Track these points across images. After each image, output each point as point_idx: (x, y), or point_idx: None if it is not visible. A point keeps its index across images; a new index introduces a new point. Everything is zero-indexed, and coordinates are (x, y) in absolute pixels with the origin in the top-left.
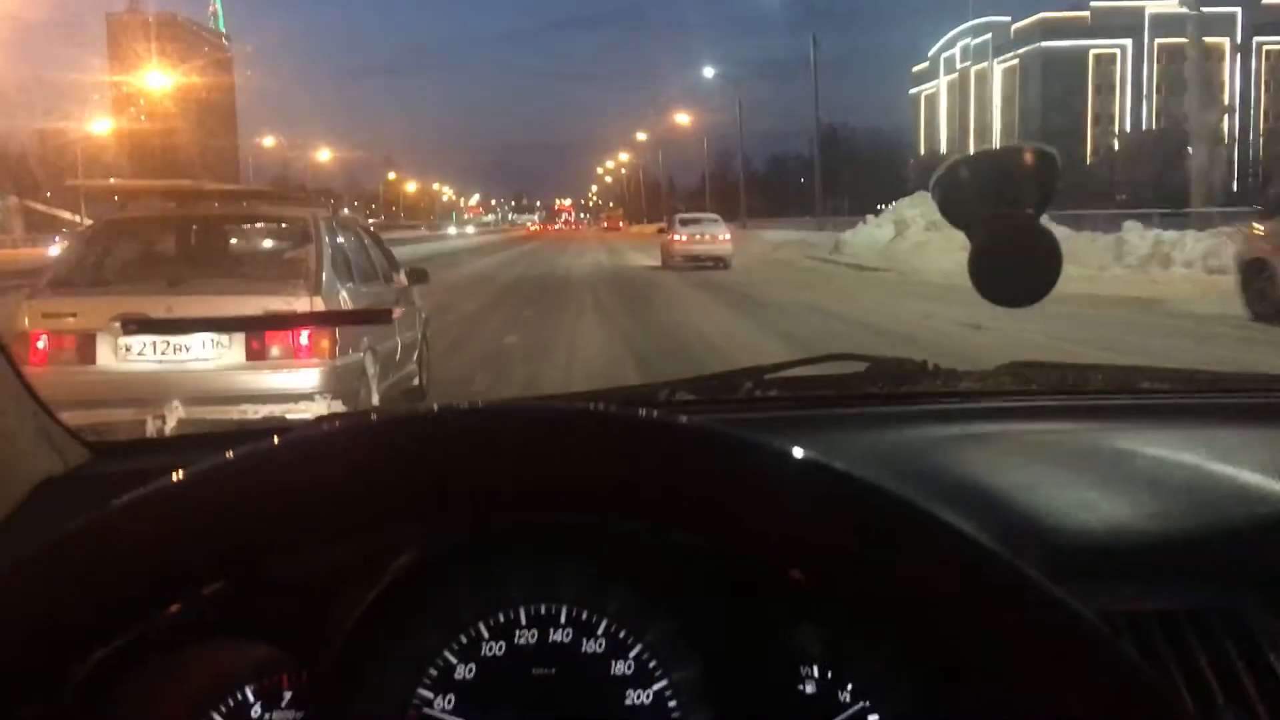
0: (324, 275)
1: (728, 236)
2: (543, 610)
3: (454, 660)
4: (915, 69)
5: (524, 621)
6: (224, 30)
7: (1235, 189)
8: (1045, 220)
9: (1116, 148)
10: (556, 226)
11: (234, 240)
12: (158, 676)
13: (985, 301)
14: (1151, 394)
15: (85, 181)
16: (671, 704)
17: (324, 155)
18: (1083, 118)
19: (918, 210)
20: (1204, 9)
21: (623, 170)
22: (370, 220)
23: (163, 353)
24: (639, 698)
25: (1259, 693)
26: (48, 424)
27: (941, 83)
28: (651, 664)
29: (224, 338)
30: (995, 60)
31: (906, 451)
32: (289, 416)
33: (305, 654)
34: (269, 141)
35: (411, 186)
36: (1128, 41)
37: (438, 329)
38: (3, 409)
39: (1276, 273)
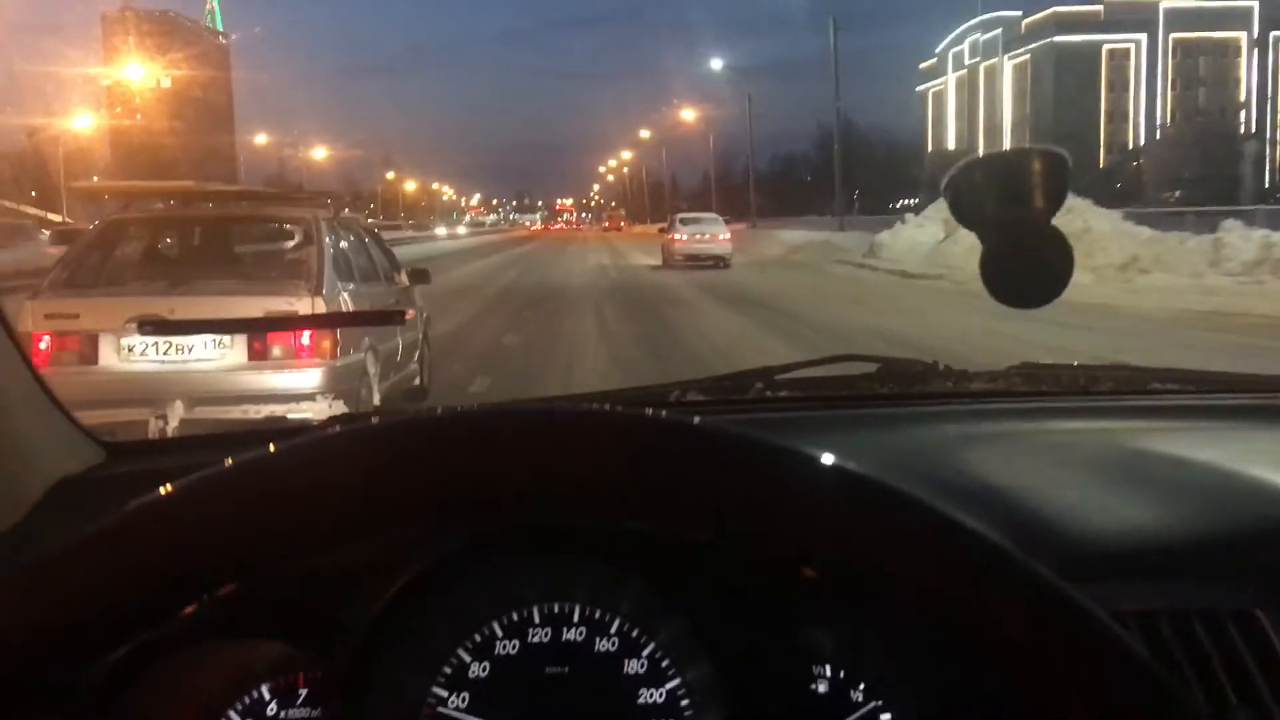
0: (325, 276)
1: (727, 236)
2: (556, 609)
3: (468, 659)
4: (923, 66)
5: (537, 620)
6: (221, 28)
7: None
8: (1123, 220)
9: (1157, 138)
10: (557, 226)
11: (236, 241)
12: (174, 675)
13: (1089, 325)
14: (1162, 394)
15: (88, 184)
16: (684, 703)
17: (322, 155)
18: (1096, 114)
19: None
20: (1220, 3)
21: (625, 169)
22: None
23: (165, 353)
24: (652, 696)
25: (1272, 693)
26: (63, 424)
27: (950, 79)
28: (664, 663)
29: (226, 338)
30: (1005, 56)
31: (917, 452)
32: (291, 416)
33: (321, 653)
34: (261, 139)
35: (411, 186)
36: (1142, 36)
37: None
38: (19, 409)
39: None
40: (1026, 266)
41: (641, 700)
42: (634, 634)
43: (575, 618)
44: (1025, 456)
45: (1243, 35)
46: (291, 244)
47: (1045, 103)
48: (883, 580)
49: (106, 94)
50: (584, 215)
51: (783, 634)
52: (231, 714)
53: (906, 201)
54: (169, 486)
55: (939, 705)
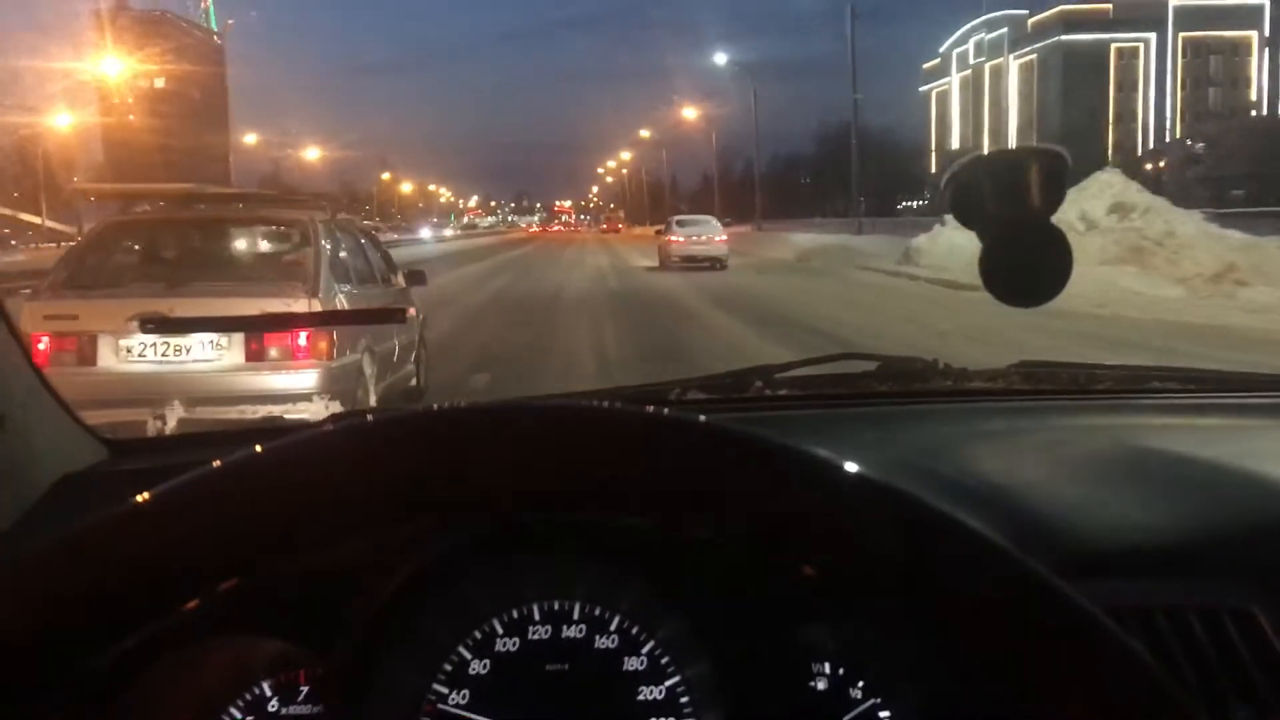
0: (322, 277)
1: (723, 238)
2: (556, 607)
3: (468, 656)
4: (926, 66)
5: (537, 618)
6: (216, 28)
7: None
8: (1206, 221)
9: (1177, 137)
10: (555, 228)
11: (234, 243)
12: (175, 672)
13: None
14: (1161, 393)
15: (91, 186)
16: (684, 700)
17: (318, 155)
18: (1104, 114)
19: None
20: (1230, 0)
21: (624, 170)
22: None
23: (163, 354)
24: (651, 694)
25: (1270, 690)
26: (67, 422)
27: (954, 79)
28: (664, 660)
29: (223, 339)
30: (1011, 55)
31: (917, 450)
32: (288, 417)
33: (321, 650)
34: (250, 139)
35: (407, 187)
36: (1151, 35)
37: None
38: (23, 407)
39: None
40: (1026, 265)
41: (641, 697)
42: (634, 631)
43: (575, 615)
44: (1025, 454)
45: (1254, 34)
46: (289, 246)
47: (1052, 103)
48: (881, 579)
49: (99, 94)
50: (583, 217)
51: (782, 632)
52: (233, 711)
53: (910, 204)
54: (172, 480)
55: (938, 703)
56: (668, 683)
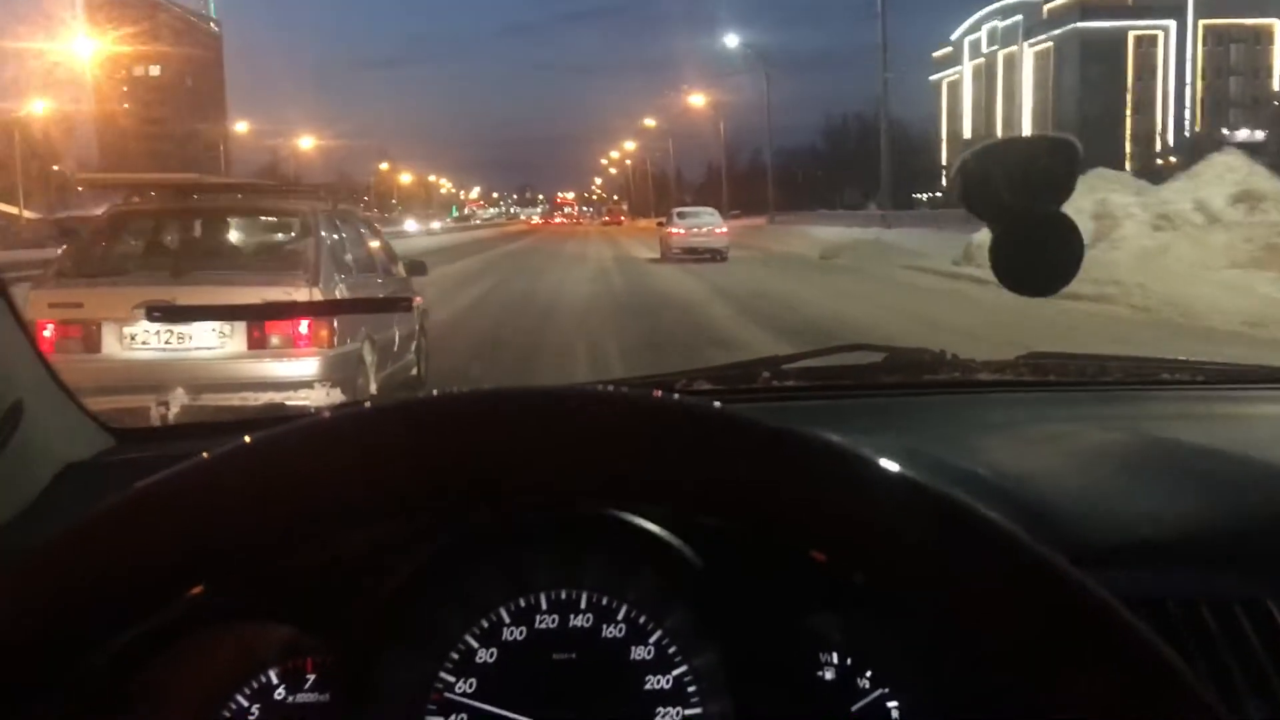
0: (322, 267)
1: (724, 230)
2: (563, 595)
3: (475, 644)
4: (936, 54)
5: (545, 607)
6: (214, 15)
7: None
8: None
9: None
10: (557, 220)
11: (236, 233)
12: (182, 661)
13: None
14: (1171, 385)
15: (91, 175)
16: (691, 689)
17: (317, 145)
18: (1121, 104)
19: (1132, 194)
20: None
21: (628, 161)
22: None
23: (166, 341)
24: (659, 683)
25: None
26: (72, 410)
27: (966, 68)
28: (671, 649)
29: (226, 326)
30: (1026, 43)
31: (924, 441)
32: (289, 403)
33: (328, 637)
34: (241, 127)
35: (406, 178)
36: (1171, 22)
37: None
38: (28, 395)
39: None
40: (1037, 254)
41: (648, 686)
42: (641, 620)
43: (583, 604)
44: (1033, 445)
45: (1276, 22)
46: (290, 236)
47: (1068, 92)
48: (892, 567)
49: (93, 82)
50: (586, 209)
51: (790, 621)
52: (239, 698)
53: (924, 196)
54: (178, 466)
55: (946, 692)
56: (675, 672)
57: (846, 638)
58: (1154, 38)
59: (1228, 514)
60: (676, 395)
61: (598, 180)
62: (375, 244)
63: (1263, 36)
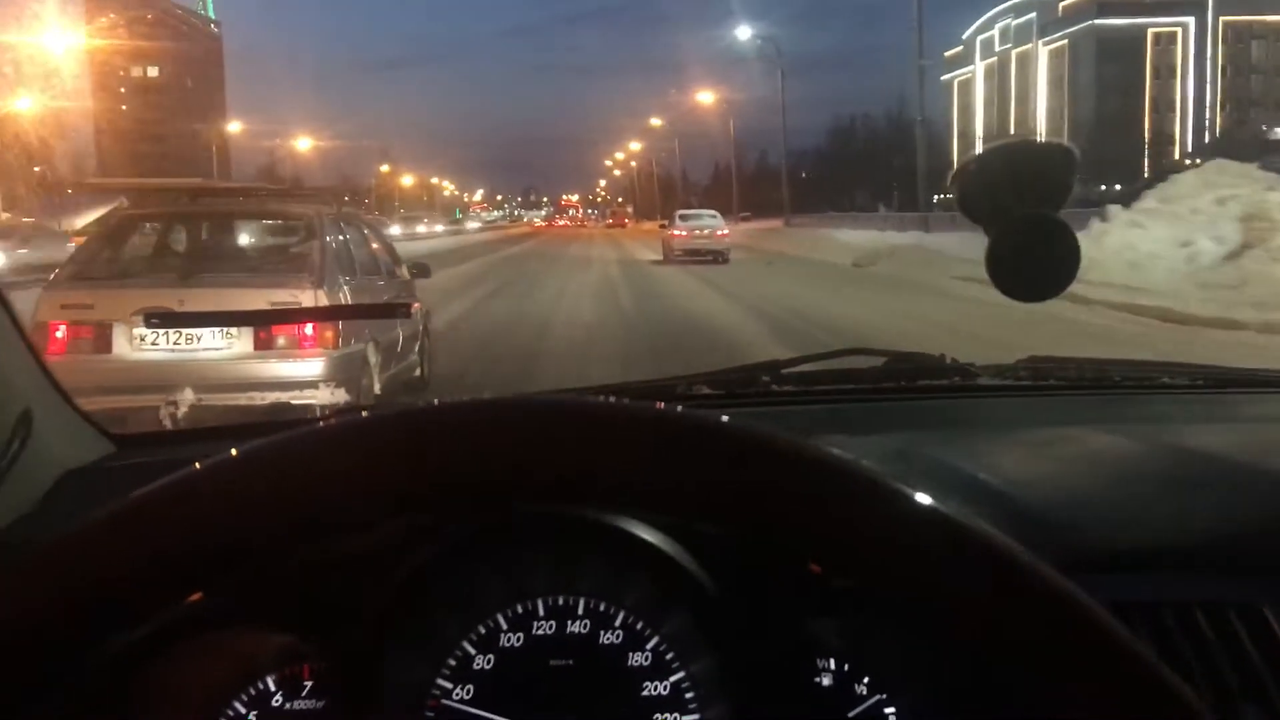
0: (327, 269)
1: (725, 231)
2: (561, 602)
3: (473, 651)
4: (948, 54)
5: (542, 613)
6: (213, 16)
7: None
8: None
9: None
10: (561, 223)
11: (242, 236)
12: (179, 667)
13: None
14: (1170, 389)
15: (98, 181)
16: (689, 695)
17: (321, 148)
18: (1140, 103)
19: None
20: None
21: (633, 163)
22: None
23: (175, 342)
24: (656, 689)
25: (1278, 687)
26: (72, 416)
27: (978, 68)
28: (668, 656)
29: (233, 328)
30: (1040, 41)
31: (923, 445)
32: (295, 403)
33: (326, 644)
34: (234, 128)
35: (408, 180)
36: (1190, 19)
37: None
38: (29, 401)
39: None
40: (1033, 260)
41: (646, 693)
42: (638, 627)
43: (580, 610)
44: (1032, 449)
45: None
46: (295, 239)
47: (1084, 91)
48: (886, 576)
49: (91, 82)
50: (591, 212)
51: (787, 627)
52: (237, 705)
53: (938, 197)
54: (177, 473)
55: (943, 699)
56: (672, 678)
57: (844, 644)
58: (1173, 35)
59: (1224, 519)
60: (677, 404)
61: (602, 182)
62: (379, 246)
63: None
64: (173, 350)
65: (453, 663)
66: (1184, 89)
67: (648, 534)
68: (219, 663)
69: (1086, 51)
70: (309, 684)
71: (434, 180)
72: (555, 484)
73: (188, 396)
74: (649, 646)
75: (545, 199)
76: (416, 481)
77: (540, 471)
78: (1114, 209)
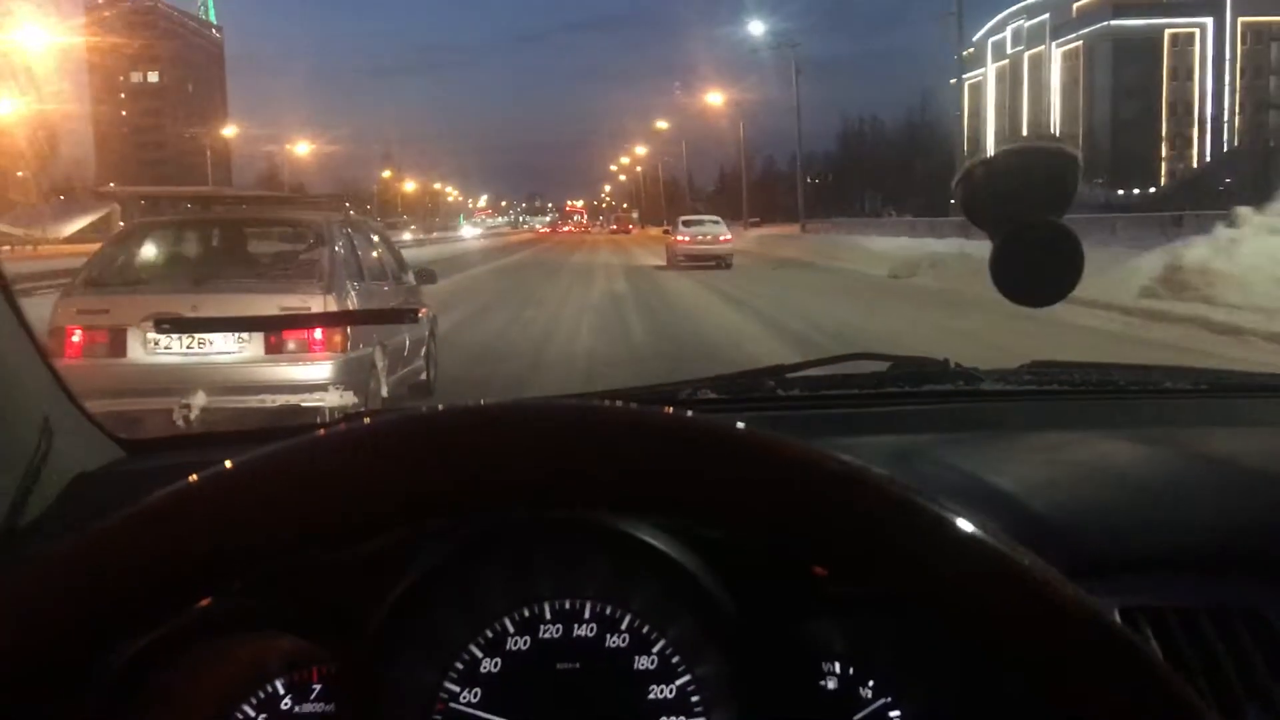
0: (335, 275)
1: (728, 237)
2: (567, 605)
3: (480, 654)
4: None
5: (549, 617)
6: (215, 21)
7: None
8: None
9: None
10: (566, 229)
11: (252, 243)
12: (190, 670)
13: None
14: (1174, 393)
15: (118, 188)
16: (694, 699)
17: (319, 153)
18: (1157, 105)
19: None
20: None
21: (638, 168)
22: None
23: (188, 346)
24: (662, 692)
25: None
26: (82, 421)
27: (989, 70)
28: (674, 659)
29: (244, 333)
30: (1054, 43)
31: (928, 450)
32: (304, 405)
33: (334, 647)
34: (230, 132)
35: (410, 186)
36: (1208, 20)
37: None
38: (39, 407)
39: None
40: (1037, 265)
41: (652, 696)
42: (645, 630)
43: (586, 614)
44: (1036, 453)
45: None
46: (304, 246)
47: (1100, 93)
48: (893, 582)
49: (90, 87)
50: (598, 219)
51: (793, 631)
52: (245, 708)
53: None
54: (178, 483)
55: (948, 702)
56: (678, 682)
57: (849, 648)
58: (1190, 35)
59: (1227, 523)
60: (683, 409)
61: (608, 188)
62: (386, 253)
63: None
64: (186, 354)
65: (460, 666)
66: (1201, 90)
67: (654, 538)
68: (228, 666)
69: (1101, 53)
70: (318, 687)
71: (437, 186)
72: (562, 488)
73: (200, 399)
74: (655, 650)
75: (550, 204)
76: (424, 486)
77: (546, 476)
78: (1244, 211)
